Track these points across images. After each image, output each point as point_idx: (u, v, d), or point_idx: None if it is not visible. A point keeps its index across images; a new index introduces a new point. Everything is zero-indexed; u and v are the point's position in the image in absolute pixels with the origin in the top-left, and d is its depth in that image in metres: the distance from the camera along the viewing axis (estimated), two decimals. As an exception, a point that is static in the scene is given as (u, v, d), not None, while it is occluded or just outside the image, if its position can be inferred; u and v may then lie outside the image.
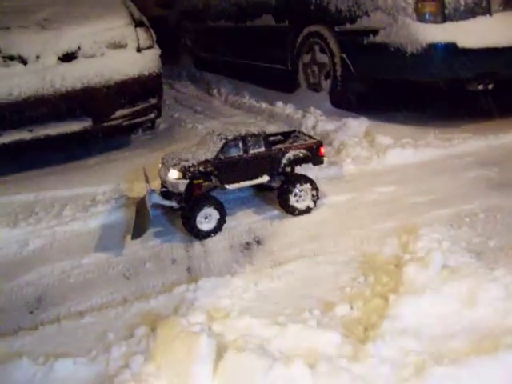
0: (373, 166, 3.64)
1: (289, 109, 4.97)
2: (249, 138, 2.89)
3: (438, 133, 4.20)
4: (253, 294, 2.25)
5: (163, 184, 2.96)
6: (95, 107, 4.18)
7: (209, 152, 2.85)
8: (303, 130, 4.24)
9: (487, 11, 4.24)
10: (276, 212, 3.06)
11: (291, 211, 3.00)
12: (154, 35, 4.57)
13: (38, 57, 3.92)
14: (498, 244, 2.52)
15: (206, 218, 2.80)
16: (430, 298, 1.93)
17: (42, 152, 4.37)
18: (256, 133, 2.93)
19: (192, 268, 2.56)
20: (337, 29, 4.85)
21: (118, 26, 4.28)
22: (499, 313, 1.88)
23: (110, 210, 3.19)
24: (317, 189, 3.03)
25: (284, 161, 2.99)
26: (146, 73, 4.34)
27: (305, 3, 5.23)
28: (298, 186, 2.98)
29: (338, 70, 4.92)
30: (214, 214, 2.82)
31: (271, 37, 5.99)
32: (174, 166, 2.81)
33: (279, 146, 3.09)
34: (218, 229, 2.84)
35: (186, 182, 2.79)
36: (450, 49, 4.09)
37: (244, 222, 2.99)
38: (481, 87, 4.42)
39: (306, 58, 5.42)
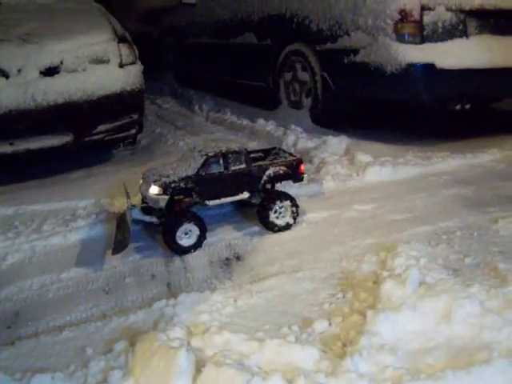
0: (352, 183, 3.68)
1: (270, 126, 5.01)
2: (229, 155, 2.91)
3: (416, 151, 4.26)
4: (232, 310, 2.26)
5: (144, 200, 2.96)
6: (77, 122, 4.18)
7: (190, 168, 2.87)
8: (284, 147, 4.28)
9: (464, 34, 4.34)
10: (256, 228, 3.08)
11: (271, 228, 3.02)
12: (136, 51, 4.59)
13: (19, 71, 3.92)
14: (474, 261, 2.56)
15: (186, 233, 2.81)
16: (407, 315, 1.96)
17: (23, 166, 4.34)
18: (237, 150, 2.95)
19: (172, 283, 2.56)
20: (318, 47, 4.92)
21: (101, 42, 4.29)
22: (474, 329, 1.91)
23: (91, 224, 3.18)
24: (297, 206, 3.06)
25: (264, 177, 3.02)
26: (128, 88, 4.35)
27: (286, 22, 5.31)
28: (278, 202, 3.00)
29: (318, 88, 4.99)
30: (194, 230, 2.83)
31: (253, 54, 6.06)
32: (154, 181, 2.82)
33: (260, 162, 3.11)
34: (197, 245, 2.85)
35: (167, 197, 2.80)
36: (429, 69, 4.17)
37: (224, 237, 3.00)
38: (458, 107, 4.50)
39: (288, 75, 5.48)
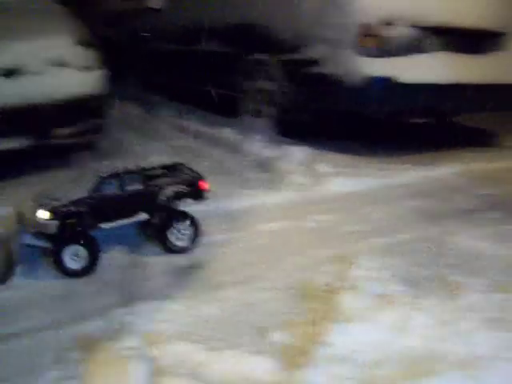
0: (312, 193, 3.71)
1: (232, 134, 5.02)
2: (124, 175, 2.78)
3: (377, 163, 4.33)
4: (189, 319, 2.24)
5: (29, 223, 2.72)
6: (36, 125, 4.10)
7: (82, 190, 2.71)
8: (245, 156, 4.30)
9: (422, 49, 4.43)
10: (218, 237, 3.07)
11: (169, 249, 2.91)
12: (100, 55, 4.55)
13: (-24, 72, 3.85)
14: (429, 273, 2.60)
15: (75, 255, 2.66)
16: (362, 326, 1.99)
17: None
18: (133, 169, 2.82)
19: (130, 291, 2.53)
20: (280, 58, 4.95)
21: (63, 45, 4.23)
22: (428, 340, 1.95)
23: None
24: (197, 226, 2.96)
25: (161, 197, 2.89)
26: (90, 93, 4.30)
27: (250, 31, 5.33)
28: (175, 222, 2.91)
29: (281, 98, 5.02)
30: (83, 252, 2.67)
31: (217, 62, 6.05)
32: (42, 205, 2.62)
33: (157, 181, 2.94)
34: (89, 268, 2.69)
35: (57, 222, 2.61)
36: (387, 83, 4.25)
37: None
38: (416, 120, 4.60)
39: (251, 84, 5.49)
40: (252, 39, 5.37)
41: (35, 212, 2.62)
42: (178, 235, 2.91)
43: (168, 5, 7.22)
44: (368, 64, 4.28)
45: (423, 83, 4.34)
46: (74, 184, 2.79)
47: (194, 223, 2.95)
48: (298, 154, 4.34)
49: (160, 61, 7.75)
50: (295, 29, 4.79)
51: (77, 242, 2.65)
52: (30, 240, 2.72)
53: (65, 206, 2.62)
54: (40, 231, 2.66)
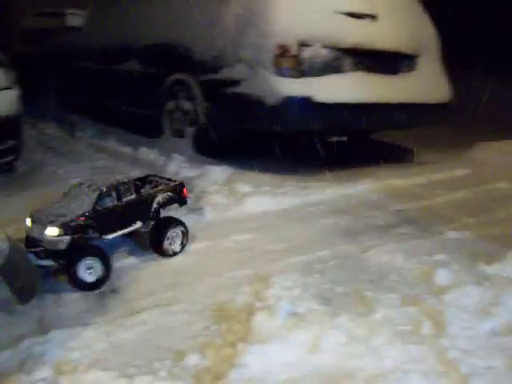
0: (232, 213, 3.73)
1: (153, 154, 4.99)
2: (120, 187, 2.87)
3: (296, 180, 4.40)
4: (104, 345, 2.20)
5: (30, 243, 2.74)
6: None
7: (84, 204, 2.76)
8: (166, 175, 4.27)
9: (339, 70, 4.56)
10: (132, 260, 3.03)
11: (165, 254, 3.06)
12: (13, 74, 4.43)
13: None
14: (344, 290, 2.65)
15: (88, 268, 2.69)
16: (277, 346, 2.01)
17: None
18: (125, 180, 2.92)
19: (43, 320, 2.46)
20: (201, 78, 4.98)
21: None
22: (341, 357, 1.99)
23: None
24: (187, 231, 3.14)
25: (154, 205, 3.05)
26: (3, 114, 4.19)
27: (171, 51, 5.34)
28: (170, 228, 3.05)
29: (201, 118, 5.04)
30: (97, 264, 2.72)
31: (138, 82, 6.02)
32: (51, 222, 2.66)
33: (149, 190, 3.11)
34: (104, 278, 2.75)
35: (67, 237, 2.65)
36: (306, 102, 4.35)
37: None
38: (335, 139, 4.71)
39: (171, 104, 5.49)
40: (172, 59, 5.38)
41: (41, 230, 2.66)
42: (171, 241, 3.08)
43: (89, 24, 7.14)
44: (286, 84, 4.36)
45: (339, 102, 4.46)
46: (70, 199, 2.83)
47: (185, 229, 3.13)
48: (218, 173, 4.36)
49: (80, 80, 7.61)
50: (214, 49, 4.84)
51: (90, 255, 2.71)
52: (34, 260, 2.69)
53: (73, 220, 2.68)
54: (50, 248, 2.68)
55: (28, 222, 2.78)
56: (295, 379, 1.91)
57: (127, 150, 5.36)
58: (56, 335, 2.25)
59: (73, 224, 2.68)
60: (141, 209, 3.00)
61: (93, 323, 2.40)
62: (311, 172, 4.72)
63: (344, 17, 4.68)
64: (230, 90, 4.66)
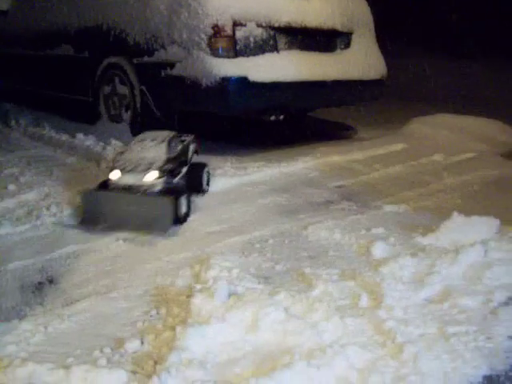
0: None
1: (89, 140, 4.88)
2: (174, 139, 3.46)
3: (234, 162, 4.40)
4: (42, 338, 2.15)
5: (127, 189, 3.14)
6: None
7: (158, 154, 3.26)
8: (103, 162, 4.22)
9: (275, 49, 4.56)
10: (70, 248, 2.97)
11: (204, 191, 3.70)
12: None
13: None
14: (284, 268, 2.68)
15: (183, 204, 3.23)
16: (216, 327, 2.00)
17: None
18: (175, 134, 3.54)
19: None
20: (135, 61, 4.90)
21: None
22: (279, 335, 2.00)
23: None
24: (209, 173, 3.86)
25: (190, 153, 3.65)
26: None
27: (104, 34, 5.22)
28: (205, 170, 3.74)
29: (138, 102, 4.96)
30: (185, 201, 3.27)
31: (71, 67, 5.89)
32: (149, 168, 3.14)
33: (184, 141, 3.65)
34: (188, 213, 3.32)
35: (163, 180, 3.15)
36: (242, 82, 4.34)
37: (35, 260, 2.85)
38: (272, 118, 4.72)
39: (107, 89, 5.38)
40: (106, 42, 5.26)
41: (139, 176, 3.12)
42: (206, 181, 3.76)
43: (16, 7, 6.90)
44: (221, 65, 4.33)
45: (275, 81, 4.46)
46: (138, 153, 3.29)
47: (209, 171, 3.84)
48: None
49: (12, 66, 7.37)
50: (148, 31, 4.75)
51: (184, 193, 3.28)
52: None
53: (163, 165, 3.20)
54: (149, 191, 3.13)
55: (116, 174, 3.16)
56: (235, 359, 1.91)
57: (63, 136, 5.21)
58: (-10, 330, 2.19)
59: (166, 167, 3.20)
60: (184, 156, 3.53)
61: (29, 315, 2.34)
62: (249, 152, 4.72)
63: (278, -5, 4.67)
64: (166, 72, 4.60)
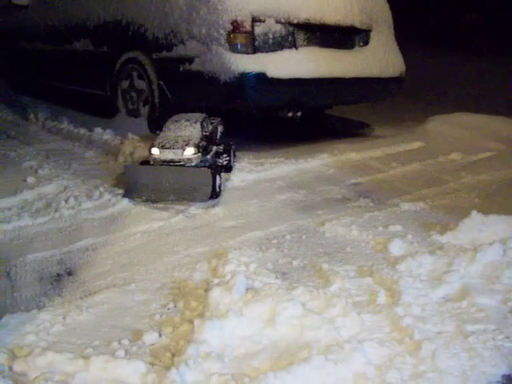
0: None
1: (107, 135, 4.91)
2: (206, 120, 3.79)
3: (251, 158, 4.39)
4: (60, 328, 2.17)
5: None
6: None
7: (195, 131, 3.60)
8: (121, 156, 4.25)
9: (293, 45, 4.55)
10: (89, 240, 2.99)
11: (231, 169, 3.99)
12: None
13: None
14: (301, 264, 2.68)
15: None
16: (234, 321, 2.01)
17: None
18: (206, 116, 3.85)
19: (-4, 304, 2.42)
20: (154, 56, 4.91)
21: None
22: (296, 330, 2.01)
23: None
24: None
25: (219, 133, 4.05)
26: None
27: (123, 29, 5.24)
28: (232, 147, 4.05)
29: (155, 97, 4.98)
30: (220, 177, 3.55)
31: (90, 61, 5.90)
32: (187, 144, 3.44)
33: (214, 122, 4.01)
34: (220, 190, 3.56)
35: (199, 154, 3.46)
36: (260, 78, 4.34)
37: (54, 252, 2.87)
38: (290, 114, 4.71)
39: (125, 83, 5.41)
40: (125, 37, 5.27)
41: (178, 152, 3.43)
42: (232, 158, 4.06)
43: (36, 2, 6.93)
44: (240, 60, 4.33)
45: (294, 78, 4.46)
46: (175, 132, 3.61)
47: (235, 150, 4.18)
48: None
49: (31, 60, 7.43)
50: (167, 26, 4.75)
51: (222, 170, 3.69)
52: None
53: (199, 142, 3.52)
54: (188, 164, 3.46)
55: (156, 150, 3.45)
56: (252, 353, 1.92)
57: (82, 131, 5.24)
58: (10, 320, 2.20)
59: (201, 144, 3.52)
60: (215, 136, 3.91)
61: (48, 306, 2.36)
62: (266, 148, 4.72)
63: (296, -9, 4.66)
64: (184, 67, 4.60)
